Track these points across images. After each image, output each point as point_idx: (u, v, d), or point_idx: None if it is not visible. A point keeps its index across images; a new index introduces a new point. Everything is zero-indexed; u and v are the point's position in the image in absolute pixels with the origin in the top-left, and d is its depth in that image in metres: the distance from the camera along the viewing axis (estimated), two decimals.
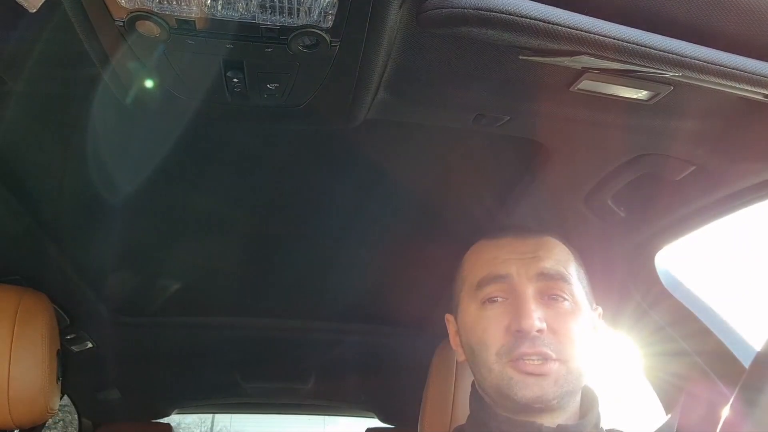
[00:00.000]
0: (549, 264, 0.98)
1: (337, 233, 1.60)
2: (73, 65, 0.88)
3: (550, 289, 0.97)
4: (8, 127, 1.14)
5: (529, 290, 0.95)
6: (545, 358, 0.91)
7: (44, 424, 1.53)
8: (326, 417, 3.73)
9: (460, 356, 1.07)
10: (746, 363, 1.21)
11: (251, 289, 1.97)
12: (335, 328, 2.21)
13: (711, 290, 1.43)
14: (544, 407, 0.92)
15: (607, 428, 1.02)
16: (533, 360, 0.91)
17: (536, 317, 0.92)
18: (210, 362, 2.53)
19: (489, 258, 1.01)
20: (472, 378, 1.06)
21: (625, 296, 1.43)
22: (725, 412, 0.66)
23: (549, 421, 0.94)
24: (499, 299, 0.97)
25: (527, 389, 0.91)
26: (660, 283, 1.41)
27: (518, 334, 0.92)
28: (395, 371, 2.48)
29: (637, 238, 1.36)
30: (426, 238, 1.59)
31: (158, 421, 2.95)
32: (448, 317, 1.12)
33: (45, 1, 0.69)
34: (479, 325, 0.97)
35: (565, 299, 0.97)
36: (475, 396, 1.05)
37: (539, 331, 0.92)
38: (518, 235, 1.04)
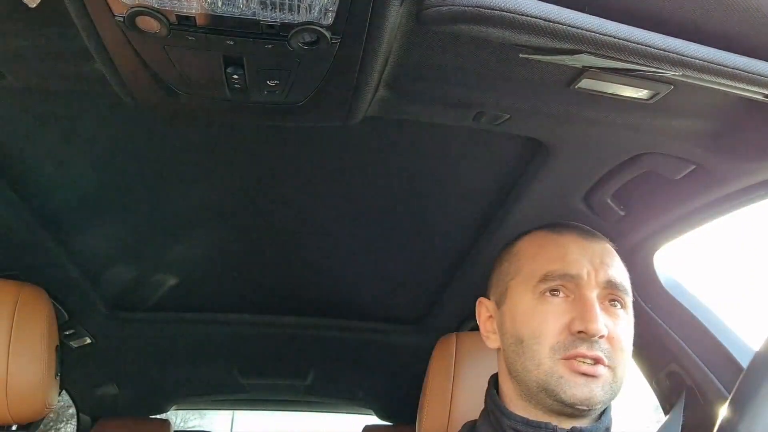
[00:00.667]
0: (616, 273, 0.99)
1: (337, 229, 1.60)
2: (73, 61, 0.88)
3: (612, 296, 0.98)
4: (7, 122, 1.14)
5: (595, 294, 0.95)
6: (598, 362, 0.92)
7: (42, 419, 1.53)
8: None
9: (493, 342, 1.06)
10: (744, 363, 1.22)
11: (250, 285, 1.97)
12: (334, 325, 2.21)
13: (709, 290, 1.43)
14: (589, 410, 0.92)
15: None
16: (587, 361, 0.91)
17: (602, 322, 0.92)
18: (208, 358, 2.53)
19: (557, 254, 1.00)
20: (473, 373, 1.06)
21: None
22: (723, 411, 0.67)
23: (566, 423, 0.94)
24: (561, 295, 0.97)
25: (577, 389, 0.91)
26: (659, 281, 1.41)
27: (580, 335, 0.92)
28: (394, 368, 2.48)
29: (636, 237, 1.36)
30: (425, 234, 1.59)
31: (156, 416, 2.96)
32: (483, 300, 1.10)
33: None
34: (535, 317, 0.96)
35: (622, 308, 0.98)
36: (491, 392, 1.04)
37: (601, 336, 0.92)
38: (583, 235, 1.03)
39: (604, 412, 0.98)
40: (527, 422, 0.96)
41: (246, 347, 2.41)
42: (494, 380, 1.07)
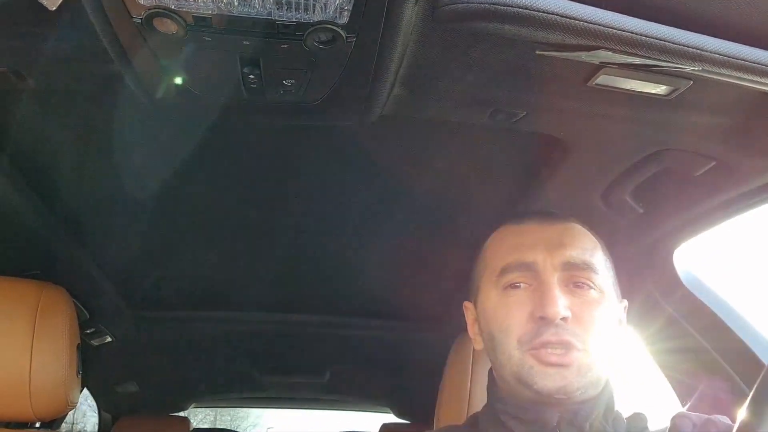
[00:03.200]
0: (575, 252, 0.96)
1: (354, 229, 1.60)
2: (92, 62, 0.89)
3: (576, 277, 0.95)
4: (29, 124, 1.16)
5: (554, 278, 0.93)
6: (568, 348, 0.89)
7: (64, 416, 1.55)
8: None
9: (478, 345, 1.06)
10: (766, 361, 1.20)
11: (268, 284, 1.98)
12: (352, 323, 2.22)
13: (731, 287, 1.41)
14: (567, 398, 0.90)
15: (628, 414, 1.00)
16: (556, 350, 0.89)
17: (561, 304, 0.90)
18: (227, 356, 2.55)
19: (513, 244, 0.99)
20: (489, 368, 1.05)
21: (644, 293, 1.42)
22: (744, 409, 0.66)
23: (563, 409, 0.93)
24: (523, 285, 0.95)
25: (548, 379, 0.89)
26: (679, 280, 1.39)
27: (542, 321, 0.90)
28: (411, 367, 2.48)
29: (655, 235, 1.34)
30: (442, 233, 1.59)
31: (176, 414, 2.99)
32: (467, 305, 1.10)
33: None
34: (500, 311, 0.95)
35: (590, 288, 0.95)
36: (491, 384, 1.04)
37: (564, 318, 0.89)
38: (543, 221, 1.01)
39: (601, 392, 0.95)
40: (517, 405, 0.95)
41: (264, 345, 2.42)
42: (491, 373, 1.06)
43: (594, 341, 0.91)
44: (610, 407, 0.96)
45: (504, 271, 0.96)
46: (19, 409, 1.34)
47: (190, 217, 1.56)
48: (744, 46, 0.71)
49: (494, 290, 0.98)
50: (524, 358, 0.91)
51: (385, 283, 1.94)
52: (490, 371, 1.06)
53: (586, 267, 0.95)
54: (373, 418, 3.43)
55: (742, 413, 0.66)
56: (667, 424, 0.97)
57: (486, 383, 1.07)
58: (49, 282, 1.48)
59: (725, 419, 0.94)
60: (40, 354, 1.34)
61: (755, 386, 0.67)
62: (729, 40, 0.71)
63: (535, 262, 0.95)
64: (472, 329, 1.08)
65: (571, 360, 0.89)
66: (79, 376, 1.53)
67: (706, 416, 0.95)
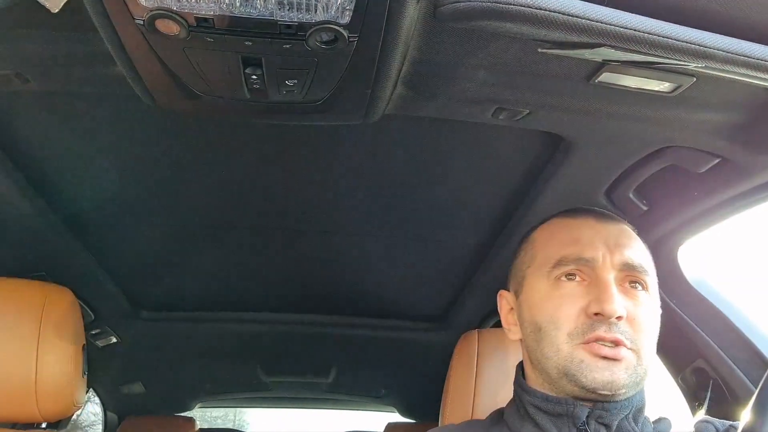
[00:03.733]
0: (633, 254, 0.96)
1: (358, 227, 1.60)
2: (95, 64, 0.89)
3: (632, 278, 0.95)
4: (32, 125, 1.16)
5: (612, 276, 0.93)
6: (619, 345, 0.89)
7: (71, 417, 1.56)
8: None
9: (514, 335, 1.04)
10: None
11: (272, 283, 1.99)
12: (356, 323, 2.22)
13: (736, 285, 1.41)
14: (612, 394, 0.90)
15: (653, 418, 1.00)
16: (607, 344, 0.89)
17: (619, 303, 0.90)
18: (232, 356, 2.56)
19: (570, 238, 0.98)
20: (495, 370, 1.05)
21: None
22: (748, 409, 0.66)
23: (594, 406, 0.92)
24: (577, 279, 0.95)
25: (598, 372, 0.88)
26: (683, 277, 1.39)
27: (597, 317, 0.90)
28: (416, 365, 2.48)
29: (659, 232, 1.34)
30: (446, 231, 1.59)
31: (181, 414, 2.99)
32: (503, 293, 1.09)
33: (67, 2, 0.70)
34: (551, 303, 0.94)
35: (643, 289, 0.96)
36: (520, 377, 1.03)
37: (619, 317, 0.90)
38: (599, 217, 1.01)
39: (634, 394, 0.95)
40: (547, 398, 0.94)
41: (269, 345, 2.42)
42: (521, 367, 1.06)
43: (643, 342, 0.92)
44: (641, 409, 0.96)
45: (559, 263, 0.96)
46: (25, 410, 1.34)
47: (193, 218, 1.56)
48: (747, 42, 0.71)
49: (545, 281, 0.97)
50: (574, 352, 0.91)
51: (389, 282, 1.94)
52: (519, 366, 1.06)
53: (642, 269, 0.96)
54: (378, 417, 3.43)
55: (746, 414, 0.66)
56: (691, 428, 0.97)
57: (494, 381, 1.06)
58: (55, 283, 1.49)
59: None
60: (45, 355, 1.35)
61: (759, 387, 0.67)
62: (732, 36, 0.71)
63: (595, 259, 0.95)
64: (506, 318, 1.07)
65: (621, 356, 0.89)
66: (85, 376, 1.53)
67: (729, 422, 0.95)
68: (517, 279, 1.05)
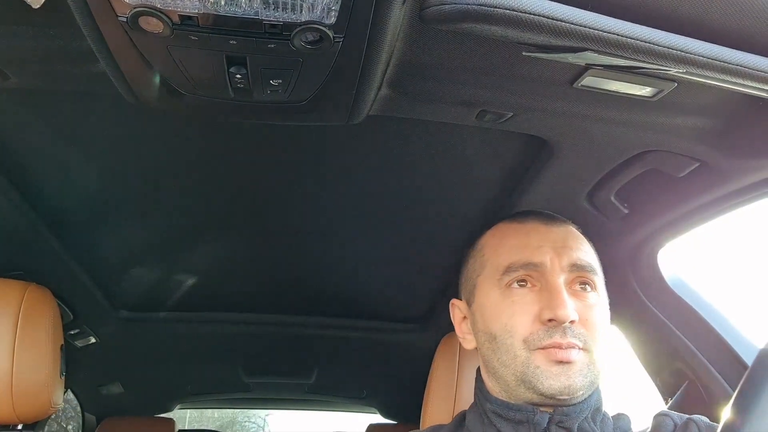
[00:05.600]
0: (581, 255, 0.97)
1: (340, 229, 1.60)
2: (77, 61, 0.88)
3: (580, 279, 0.96)
4: (12, 123, 1.14)
5: (561, 280, 0.94)
6: (574, 349, 0.91)
7: (47, 418, 1.54)
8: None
9: (469, 343, 1.05)
10: (749, 361, 1.22)
11: (254, 285, 1.98)
12: (338, 324, 2.21)
13: (714, 287, 1.43)
14: (569, 398, 0.91)
15: (612, 414, 1.01)
16: (563, 350, 0.90)
17: (571, 307, 0.91)
18: (213, 357, 2.54)
19: (518, 244, 0.99)
20: (477, 367, 1.05)
21: (627, 293, 1.43)
22: (727, 409, 0.66)
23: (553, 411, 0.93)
24: (528, 285, 0.96)
25: (554, 379, 0.90)
26: (663, 279, 1.41)
27: (551, 323, 0.91)
28: (398, 367, 2.48)
29: (640, 235, 1.36)
30: (428, 234, 1.59)
31: (161, 415, 2.97)
32: (455, 302, 1.10)
33: None
34: (504, 311, 0.95)
35: (593, 290, 0.97)
36: (480, 383, 1.04)
37: (572, 321, 0.91)
38: (544, 221, 1.02)
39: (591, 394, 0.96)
40: (507, 405, 0.95)
41: (250, 346, 2.41)
42: (479, 373, 1.06)
43: (596, 342, 0.93)
44: (598, 408, 0.97)
45: (509, 269, 0.97)
46: (0, 411, 1.32)
47: (174, 218, 1.55)
48: (726, 48, 0.72)
49: (496, 289, 0.98)
50: (531, 358, 0.92)
51: (371, 283, 1.94)
52: (478, 370, 1.06)
53: (591, 269, 0.97)
54: (360, 418, 3.43)
55: (726, 413, 0.67)
56: (649, 424, 0.99)
57: (471, 382, 1.07)
58: (33, 282, 1.47)
59: (705, 419, 0.96)
60: (22, 355, 1.33)
61: (739, 386, 0.67)
62: (712, 42, 0.72)
63: (543, 263, 0.95)
64: (460, 328, 1.08)
65: (574, 358, 0.90)
66: (63, 377, 1.52)
67: (687, 416, 0.97)
68: (468, 288, 1.06)
